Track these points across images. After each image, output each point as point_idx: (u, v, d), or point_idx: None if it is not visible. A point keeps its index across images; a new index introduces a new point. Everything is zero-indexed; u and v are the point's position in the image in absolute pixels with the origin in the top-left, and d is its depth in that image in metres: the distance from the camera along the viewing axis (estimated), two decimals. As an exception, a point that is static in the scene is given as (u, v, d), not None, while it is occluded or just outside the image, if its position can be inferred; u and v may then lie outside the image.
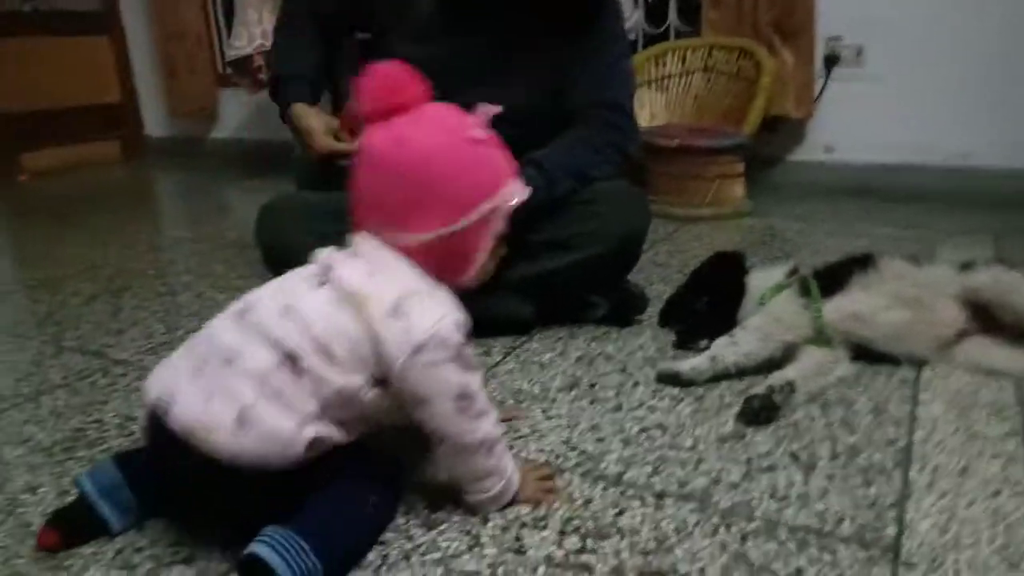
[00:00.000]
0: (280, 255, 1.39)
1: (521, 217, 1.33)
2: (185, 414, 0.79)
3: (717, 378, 1.25)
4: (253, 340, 0.82)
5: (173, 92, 3.89)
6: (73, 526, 0.88)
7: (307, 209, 1.45)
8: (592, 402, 1.21)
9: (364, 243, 0.87)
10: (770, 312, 1.30)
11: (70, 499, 0.94)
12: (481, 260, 0.89)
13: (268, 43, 2.75)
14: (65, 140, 3.75)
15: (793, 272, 1.39)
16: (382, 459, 0.92)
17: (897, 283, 1.30)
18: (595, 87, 1.46)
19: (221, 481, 0.80)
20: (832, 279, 1.33)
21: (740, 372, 1.26)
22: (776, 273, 1.41)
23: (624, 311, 1.54)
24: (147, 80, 4.09)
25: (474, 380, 0.86)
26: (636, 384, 1.27)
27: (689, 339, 1.39)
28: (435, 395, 0.83)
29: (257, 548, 0.74)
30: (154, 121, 4.18)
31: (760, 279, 1.41)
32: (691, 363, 1.25)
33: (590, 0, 1.47)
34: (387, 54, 1.51)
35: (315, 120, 1.47)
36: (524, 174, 1.35)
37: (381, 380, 0.83)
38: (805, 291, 1.30)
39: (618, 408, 1.18)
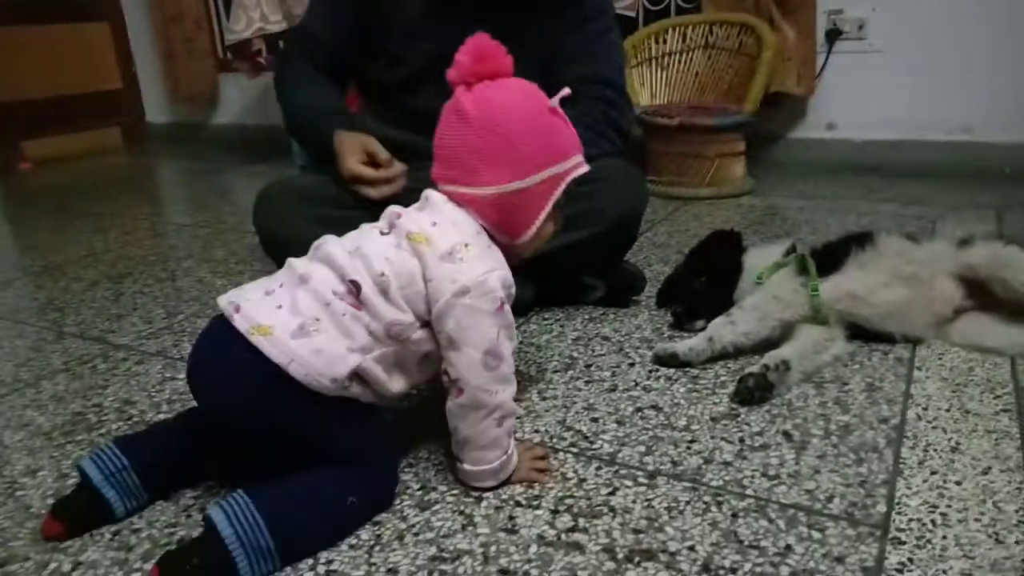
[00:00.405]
0: (278, 240, 1.39)
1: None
2: (252, 313, 0.84)
3: (714, 358, 1.25)
4: (323, 268, 0.88)
5: (173, 77, 3.89)
6: (76, 514, 0.89)
7: (304, 194, 1.45)
8: (588, 382, 1.21)
9: (432, 196, 0.94)
10: (767, 291, 1.30)
11: (71, 483, 0.96)
12: (540, 222, 0.94)
13: (267, 26, 2.74)
14: (66, 128, 3.75)
15: (791, 251, 1.38)
16: (382, 468, 0.93)
17: (895, 260, 1.29)
18: (583, 63, 1.45)
19: (251, 428, 0.85)
20: (830, 257, 1.32)
21: (737, 352, 1.26)
22: (774, 252, 1.40)
23: (622, 292, 1.54)
24: (147, 66, 4.08)
25: (507, 344, 0.90)
26: (632, 364, 1.27)
27: (686, 319, 1.39)
28: (468, 341, 0.87)
29: (213, 512, 0.78)
30: (155, 107, 4.18)
31: (757, 258, 1.40)
32: (688, 344, 1.25)
33: None
34: (385, 67, 1.50)
35: (348, 144, 1.41)
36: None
37: (428, 322, 0.88)
38: (802, 269, 1.30)
39: (613, 388, 1.19)
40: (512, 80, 0.94)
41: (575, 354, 1.32)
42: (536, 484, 0.94)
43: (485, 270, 0.88)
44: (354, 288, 0.85)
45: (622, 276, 1.55)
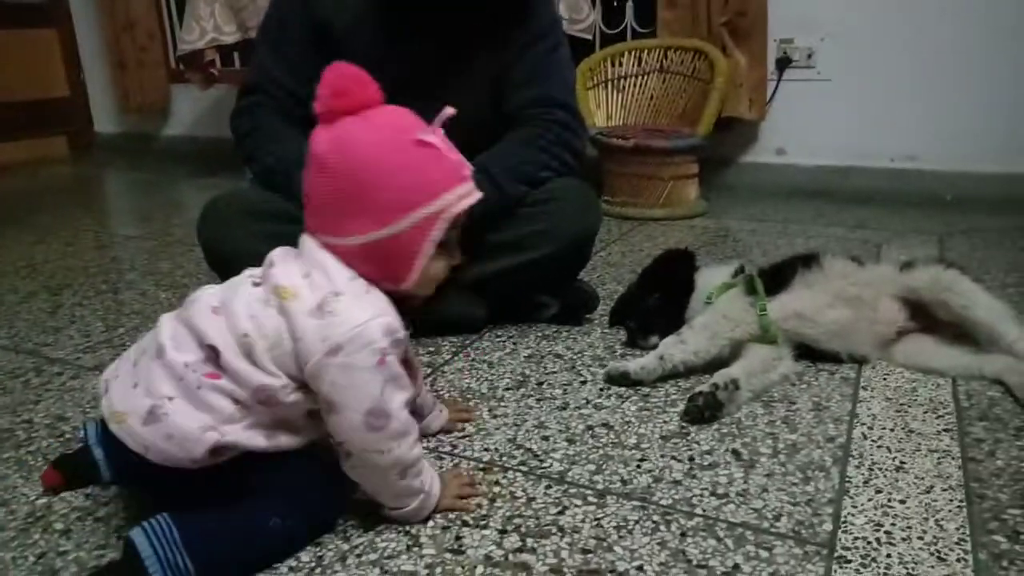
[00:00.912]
0: (223, 255, 1.35)
1: (470, 223, 1.34)
2: (114, 395, 0.82)
3: (665, 377, 1.25)
4: (182, 334, 0.82)
5: (123, 86, 3.80)
6: (74, 469, 0.96)
7: (251, 208, 1.41)
8: (539, 400, 1.20)
9: (306, 243, 0.86)
10: (717, 310, 1.31)
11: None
12: (421, 266, 0.84)
13: (221, 37, 2.70)
14: (9, 136, 3.63)
15: (740, 271, 1.40)
16: (315, 488, 0.87)
17: (840, 282, 1.31)
18: (534, 84, 1.45)
19: (154, 472, 0.80)
20: (777, 278, 1.34)
21: (688, 370, 1.26)
22: (724, 272, 1.41)
23: (575, 310, 1.54)
24: (96, 74, 3.99)
25: (395, 398, 0.81)
26: (584, 382, 1.27)
27: (640, 336, 1.40)
28: (346, 403, 0.79)
29: (134, 533, 0.76)
30: (104, 117, 4.08)
31: (709, 277, 1.42)
32: (640, 363, 1.25)
33: None
34: None
35: None
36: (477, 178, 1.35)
37: (304, 383, 0.81)
38: (751, 289, 1.31)
39: (564, 407, 1.18)
40: (378, 113, 0.84)
41: (527, 372, 1.31)
42: (484, 504, 0.93)
43: (360, 322, 0.79)
44: (212, 354, 0.80)
45: (575, 295, 1.55)
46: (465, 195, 0.85)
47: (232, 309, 0.81)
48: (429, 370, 1.32)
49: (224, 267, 1.30)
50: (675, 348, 1.26)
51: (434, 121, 0.86)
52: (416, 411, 1.03)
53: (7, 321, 1.60)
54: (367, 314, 0.80)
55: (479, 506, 0.92)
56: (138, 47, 3.68)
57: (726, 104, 2.63)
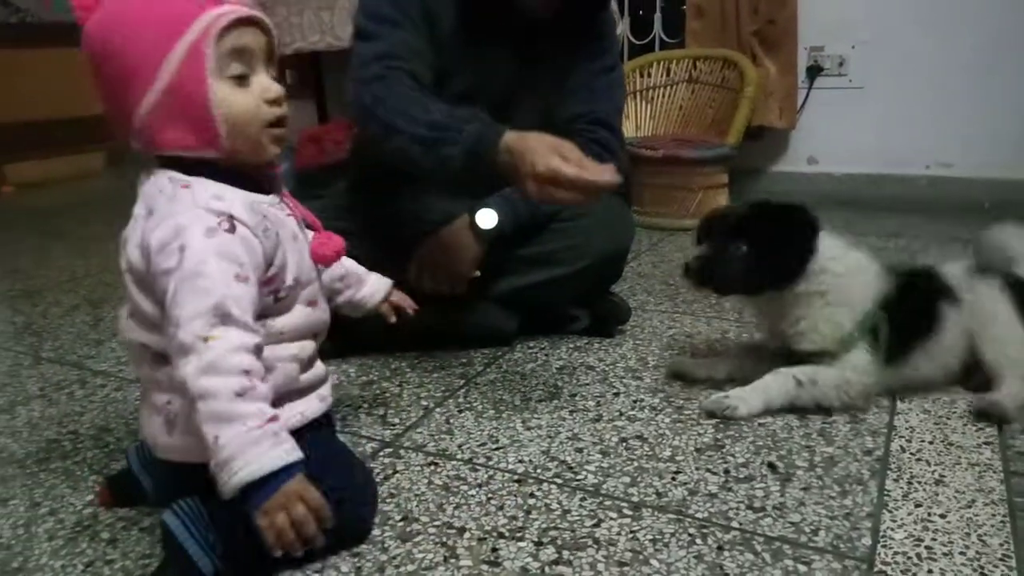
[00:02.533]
0: None
1: (505, 235, 1.34)
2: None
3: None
4: None
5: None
6: (121, 490, 0.97)
7: None
8: (572, 412, 1.21)
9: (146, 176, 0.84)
10: (845, 368, 1.16)
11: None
12: (215, 106, 0.79)
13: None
14: (50, 151, 3.73)
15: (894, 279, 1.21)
16: (354, 494, 0.88)
17: (956, 346, 1.22)
18: (582, 100, 1.43)
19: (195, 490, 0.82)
20: (903, 331, 1.18)
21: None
22: (855, 258, 1.22)
23: (606, 323, 1.54)
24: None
25: (189, 300, 0.75)
26: (617, 394, 1.27)
27: (696, 279, 1.22)
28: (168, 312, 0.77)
29: (165, 515, 0.79)
30: (140, 131, 4.17)
31: (834, 251, 1.20)
32: (749, 405, 1.16)
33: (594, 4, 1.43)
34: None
35: (535, 140, 1.10)
36: (505, 193, 1.36)
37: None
38: (874, 339, 1.17)
39: (598, 419, 1.18)
40: None
41: (559, 383, 1.31)
42: (520, 515, 0.93)
43: (163, 223, 0.78)
44: (148, 350, 0.84)
45: (607, 307, 1.55)
46: (223, 14, 0.79)
47: (135, 305, 0.84)
48: (462, 381, 1.33)
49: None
50: (790, 388, 1.16)
51: None
52: (337, 282, 1.06)
53: (52, 334, 1.65)
54: (167, 216, 0.78)
55: (513, 518, 0.93)
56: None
57: (756, 113, 2.62)
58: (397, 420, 1.19)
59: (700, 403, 1.20)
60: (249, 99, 0.82)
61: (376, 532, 0.90)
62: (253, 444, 0.74)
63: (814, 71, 2.71)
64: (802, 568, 0.82)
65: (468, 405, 1.24)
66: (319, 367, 0.94)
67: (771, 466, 1.03)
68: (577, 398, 1.26)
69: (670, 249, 2.22)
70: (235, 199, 0.81)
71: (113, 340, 1.59)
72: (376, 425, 1.18)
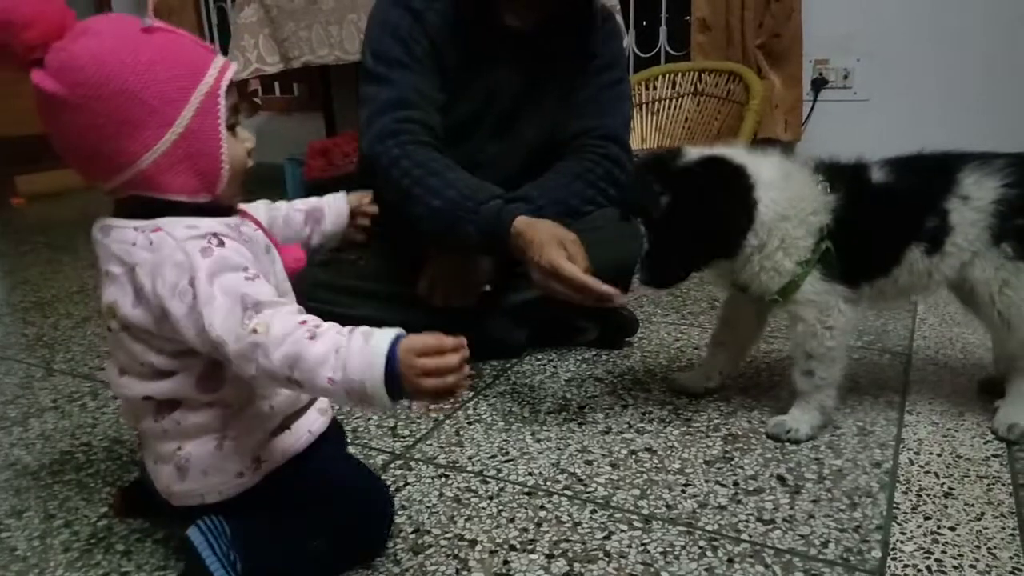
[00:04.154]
0: None
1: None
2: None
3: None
4: None
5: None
6: (135, 501, 0.98)
7: None
8: (581, 424, 1.21)
9: (93, 232, 0.83)
10: (813, 313, 1.11)
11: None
12: (225, 153, 0.79)
13: (264, 68, 2.77)
14: (59, 163, 3.75)
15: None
16: (365, 507, 0.89)
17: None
18: (591, 115, 1.44)
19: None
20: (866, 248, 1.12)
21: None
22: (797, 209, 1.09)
23: (615, 334, 1.55)
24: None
25: (218, 316, 0.73)
26: (626, 406, 1.27)
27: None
28: (201, 338, 0.76)
29: (190, 531, 0.81)
30: (149, 144, 4.20)
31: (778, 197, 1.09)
32: (809, 424, 1.14)
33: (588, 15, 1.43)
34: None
35: (545, 231, 1.20)
36: (514, 208, 1.37)
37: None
38: (828, 268, 1.11)
39: (607, 431, 1.19)
40: (84, 27, 0.75)
41: (568, 395, 1.32)
42: (531, 527, 0.94)
43: (159, 268, 0.76)
44: (152, 401, 0.83)
45: (615, 319, 1.55)
46: (225, 66, 0.80)
47: (123, 363, 0.83)
48: (471, 393, 1.34)
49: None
50: (825, 394, 1.14)
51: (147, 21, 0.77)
52: (304, 229, 1.06)
53: (63, 346, 1.66)
54: (158, 261, 0.76)
55: (524, 531, 0.93)
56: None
57: (762, 126, 2.63)
58: (407, 432, 1.20)
59: (765, 428, 1.17)
60: (240, 148, 0.83)
61: (389, 545, 0.91)
62: (357, 357, 0.71)
63: (819, 84, 2.72)
64: (812, 581, 0.83)
65: (478, 417, 1.25)
66: None
67: (780, 479, 1.03)
68: (586, 410, 1.26)
69: (676, 261, 2.23)
70: (208, 224, 0.79)
71: (124, 352, 1.61)
72: (386, 437, 1.19)
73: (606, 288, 1.13)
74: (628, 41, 2.97)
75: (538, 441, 1.16)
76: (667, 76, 2.87)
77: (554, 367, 1.45)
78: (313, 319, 0.75)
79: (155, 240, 0.76)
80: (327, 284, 1.40)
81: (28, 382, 1.47)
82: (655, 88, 2.87)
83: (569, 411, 1.26)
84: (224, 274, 0.75)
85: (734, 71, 2.70)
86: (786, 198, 1.10)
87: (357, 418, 1.25)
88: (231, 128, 0.81)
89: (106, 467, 1.12)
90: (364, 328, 0.74)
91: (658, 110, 2.88)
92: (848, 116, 2.70)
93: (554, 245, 1.17)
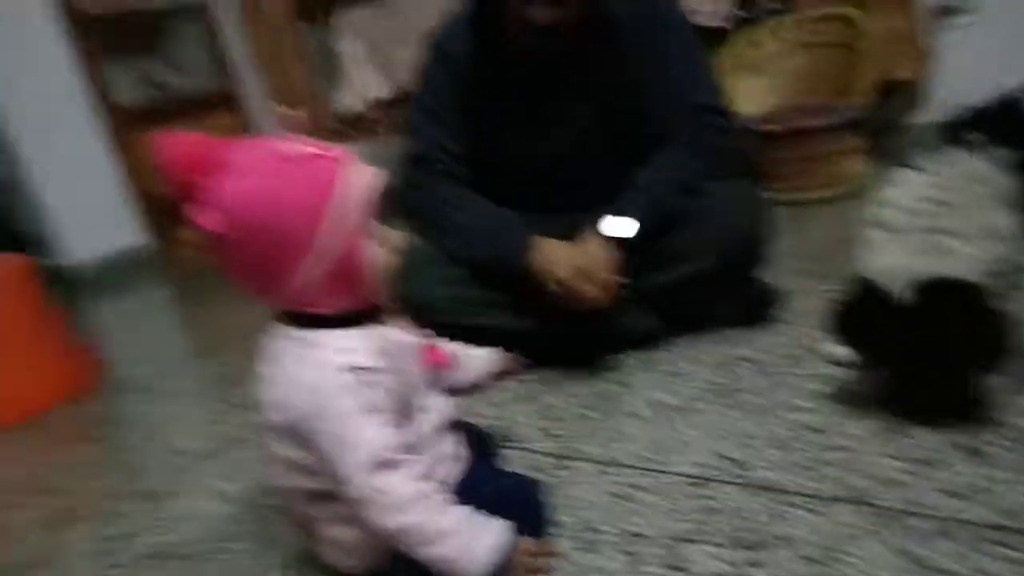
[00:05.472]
0: (410, 303, 1.44)
1: (635, 238, 1.35)
2: None
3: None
4: None
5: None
6: None
7: (429, 255, 1.47)
8: (734, 407, 1.20)
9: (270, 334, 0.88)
10: None
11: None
12: (374, 263, 0.84)
13: (375, 94, 2.89)
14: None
15: None
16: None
17: None
18: (678, 92, 1.42)
19: None
20: None
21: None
22: None
23: (755, 311, 1.51)
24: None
25: (349, 456, 0.81)
26: (779, 384, 1.24)
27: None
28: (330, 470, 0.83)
29: None
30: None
31: None
32: None
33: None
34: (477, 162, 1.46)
35: (559, 251, 1.34)
36: (629, 197, 1.37)
37: None
38: None
39: (764, 411, 1.17)
40: (232, 163, 0.79)
41: (717, 379, 1.30)
42: (700, 517, 0.94)
43: (308, 388, 0.82)
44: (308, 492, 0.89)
45: (753, 294, 1.51)
46: (358, 174, 0.82)
47: (280, 458, 0.88)
48: (618, 387, 1.35)
49: (416, 314, 1.39)
50: None
51: (286, 129, 0.84)
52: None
53: (248, 382, 1.80)
54: (309, 382, 0.82)
55: (694, 521, 0.94)
56: (303, 112, 4.02)
57: (883, 68, 2.47)
58: (562, 431, 1.23)
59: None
60: (383, 252, 0.85)
61: (562, 544, 0.94)
62: (469, 542, 0.83)
63: (942, 12, 2.52)
64: (1012, 554, 0.78)
65: (629, 410, 1.26)
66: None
67: (964, 448, 0.98)
68: (737, 393, 1.24)
69: (811, 225, 2.14)
70: (359, 346, 0.84)
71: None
72: (543, 439, 1.22)
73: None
74: (727, 3, 2.86)
75: (694, 429, 1.16)
76: (772, 32, 2.75)
77: (697, 351, 1.43)
78: (430, 488, 0.84)
79: (306, 356, 0.83)
80: (448, 297, 1.43)
81: (219, 417, 1.60)
82: (761, 46, 2.76)
83: (720, 395, 1.25)
84: (364, 417, 0.81)
85: (843, 15, 2.55)
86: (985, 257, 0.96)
87: (510, 420, 1.29)
88: (371, 233, 0.83)
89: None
90: (473, 518, 0.85)
91: (767, 69, 2.76)
92: (978, 40, 2.49)
93: (570, 262, 1.31)
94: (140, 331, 2.58)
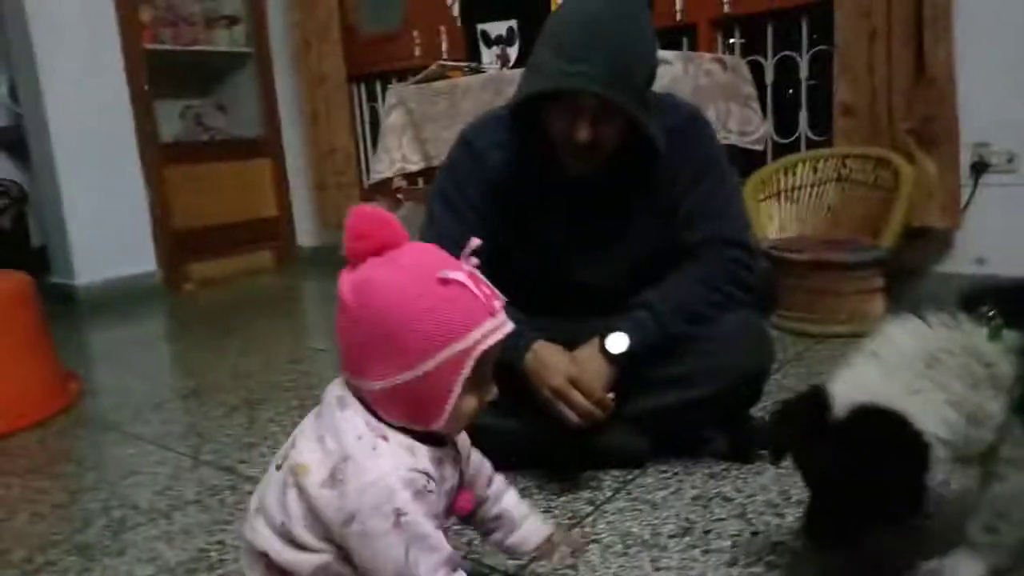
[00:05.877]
0: None
1: (634, 358, 1.32)
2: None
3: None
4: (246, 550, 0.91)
5: (322, 205, 4.23)
6: None
7: None
8: (705, 552, 1.14)
9: (327, 396, 0.88)
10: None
11: None
12: (451, 406, 0.83)
13: (407, 166, 2.94)
14: (227, 251, 4.13)
15: None
16: None
17: None
18: (704, 223, 1.40)
19: None
20: None
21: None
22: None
23: (745, 446, 1.45)
24: (300, 195, 4.47)
25: (422, 561, 0.80)
26: (756, 533, 1.18)
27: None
28: (375, 570, 0.81)
29: None
30: (305, 233, 4.54)
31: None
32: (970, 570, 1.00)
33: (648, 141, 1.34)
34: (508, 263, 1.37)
35: (555, 358, 1.31)
36: (635, 316, 1.35)
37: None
38: None
39: (733, 562, 1.10)
40: (401, 253, 0.83)
41: (693, 516, 1.24)
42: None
43: (371, 481, 0.79)
44: (265, 558, 0.85)
45: (745, 430, 1.47)
46: (493, 330, 0.83)
47: (265, 504, 0.86)
48: (590, 508, 1.29)
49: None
50: (999, 554, 0.99)
51: (462, 254, 0.85)
52: (490, 523, 1.02)
53: (212, 436, 1.78)
54: (378, 471, 0.80)
55: None
56: (336, 171, 4.10)
57: (915, 213, 2.46)
58: (521, 549, 1.17)
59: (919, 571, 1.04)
60: (474, 402, 0.86)
61: None
62: None
63: (980, 167, 2.52)
64: None
65: (595, 536, 1.20)
66: None
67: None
68: (711, 535, 1.18)
69: (818, 359, 2.09)
70: (423, 454, 0.84)
71: (264, 444, 1.70)
72: (499, 555, 1.16)
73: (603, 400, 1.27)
74: (767, 128, 2.90)
75: (657, 570, 1.10)
76: (808, 163, 2.76)
77: (679, 481, 1.38)
78: None
79: (379, 448, 0.82)
80: None
81: (178, 472, 1.58)
82: (795, 175, 2.77)
83: (693, 535, 1.19)
84: (427, 519, 0.81)
85: (882, 157, 2.56)
86: (956, 419, 0.92)
87: (472, 531, 1.23)
88: (474, 381, 0.83)
89: (235, 568, 1.17)
90: None
91: (798, 198, 2.77)
92: (1015, 201, 2.47)
93: (563, 370, 1.28)
94: (127, 363, 2.58)
